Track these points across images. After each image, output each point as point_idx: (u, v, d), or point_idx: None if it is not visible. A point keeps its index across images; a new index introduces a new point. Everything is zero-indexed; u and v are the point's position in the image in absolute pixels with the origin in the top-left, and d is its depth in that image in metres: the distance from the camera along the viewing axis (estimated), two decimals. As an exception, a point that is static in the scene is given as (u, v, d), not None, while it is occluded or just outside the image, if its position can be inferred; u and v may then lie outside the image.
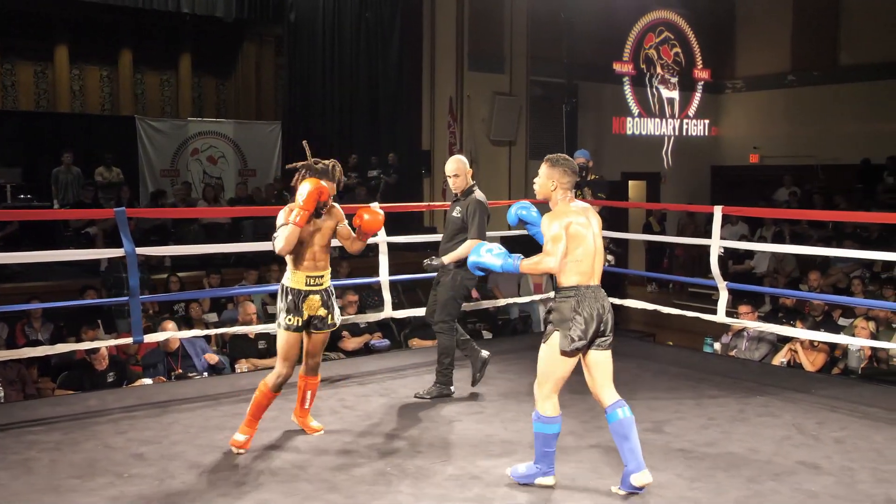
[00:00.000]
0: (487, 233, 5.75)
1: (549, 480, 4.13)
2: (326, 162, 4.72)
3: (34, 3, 13.79)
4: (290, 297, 4.62)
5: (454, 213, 5.84)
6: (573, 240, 3.96)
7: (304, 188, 4.44)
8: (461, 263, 5.62)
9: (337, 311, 4.80)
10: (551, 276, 5.90)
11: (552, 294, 8.07)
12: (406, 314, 7.52)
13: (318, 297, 4.66)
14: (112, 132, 14.01)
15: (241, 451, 4.60)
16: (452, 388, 5.85)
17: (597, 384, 4.07)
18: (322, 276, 4.68)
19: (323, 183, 4.52)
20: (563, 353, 3.95)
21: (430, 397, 5.76)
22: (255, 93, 17.29)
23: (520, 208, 4.46)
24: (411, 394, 5.86)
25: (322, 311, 4.68)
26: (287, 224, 4.47)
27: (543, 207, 4.22)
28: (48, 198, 12.04)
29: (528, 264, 3.99)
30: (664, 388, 6.08)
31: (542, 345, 4.03)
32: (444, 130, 14.42)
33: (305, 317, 4.64)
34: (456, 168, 5.82)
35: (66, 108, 15.58)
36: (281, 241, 4.47)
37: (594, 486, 4.16)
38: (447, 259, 5.75)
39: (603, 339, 4.02)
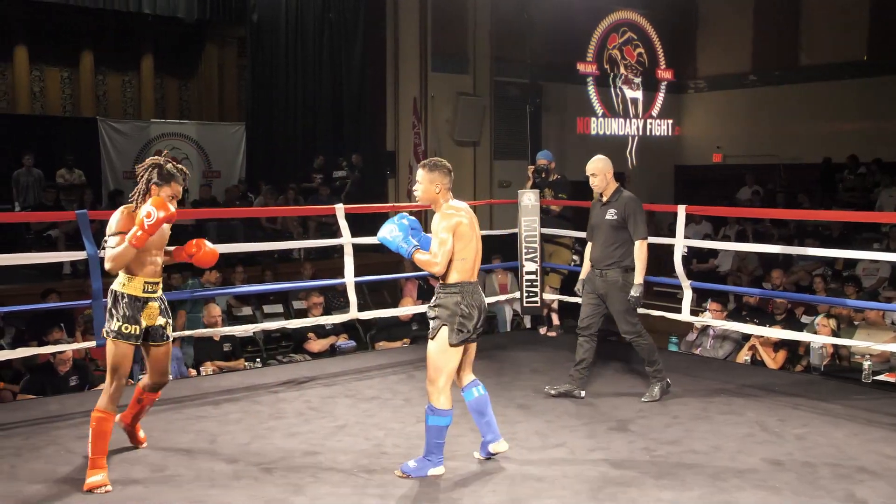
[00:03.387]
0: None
1: (440, 470, 4.28)
2: (178, 165, 4.37)
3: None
4: (125, 303, 4.23)
5: (606, 217, 5.68)
6: (461, 240, 4.20)
7: (155, 211, 4.05)
8: (628, 268, 5.64)
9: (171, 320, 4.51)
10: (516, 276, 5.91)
11: (517, 294, 8.13)
12: (372, 315, 7.51)
13: (156, 304, 4.34)
14: (73, 134, 13.84)
15: (105, 489, 4.06)
16: (668, 379, 5.83)
17: (462, 367, 4.37)
18: (159, 283, 4.37)
19: (169, 190, 4.23)
20: (452, 345, 4.19)
21: (659, 398, 5.70)
22: (218, 94, 17.14)
23: (402, 217, 4.31)
24: (377, 394, 5.85)
25: (161, 321, 4.38)
26: (120, 237, 4.10)
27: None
28: (9, 200, 11.87)
29: (420, 258, 4.17)
30: (628, 386, 6.13)
31: (430, 341, 4.24)
32: (409, 131, 14.40)
33: (143, 326, 4.28)
34: (594, 168, 5.74)
35: (27, 109, 15.33)
36: (114, 260, 4.10)
37: (563, 477, 4.19)
38: (638, 277, 5.60)
39: (478, 331, 4.30)
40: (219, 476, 4.31)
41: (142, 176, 4.27)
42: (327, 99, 14.13)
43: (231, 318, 9.16)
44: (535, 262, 7.67)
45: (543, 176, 7.95)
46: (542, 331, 7.95)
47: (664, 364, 5.86)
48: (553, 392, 5.79)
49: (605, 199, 5.77)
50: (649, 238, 5.73)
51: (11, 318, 8.29)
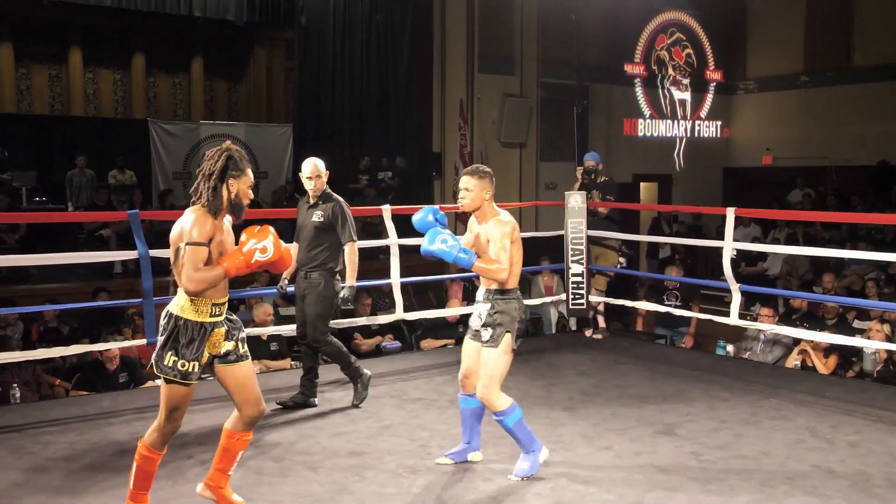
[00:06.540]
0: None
1: (545, 452, 4.35)
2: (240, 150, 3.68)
3: (48, 8, 13.86)
4: (186, 333, 3.49)
5: (314, 218, 5.52)
6: (515, 244, 4.23)
7: (271, 247, 3.51)
8: (333, 272, 5.52)
9: (244, 335, 3.75)
10: (562, 279, 5.85)
11: (562, 297, 8.09)
12: (417, 316, 7.55)
13: (222, 329, 3.60)
14: (125, 135, 14.08)
15: None
16: (367, 371, 5.74)
17: (474, 373, 4.35)
18: (226, 302, 3.64)
19: (247, 181, 3.64)
20: (514, 351, 4.27)
21: (365, 393, 5.63)
22: (267, 95, 17.33)
23: (435, 212, 4.32)
24: (422, 395, 5.88)
25: (229, 345, 3.62)
26: (199, 249, 3.43)
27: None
28: (63, 200, 12.12)
29: (481, 266, 4.16)
30: (675, 390, 6.06)
31: (492, 348, 4.22)
32: (455, 133, 14.42)
33: (205, 360, 3.56)
34: (318, 170, 5.52)
35: (80, 111, 15.64)
36: (203, 284, 3.40)
37: (609, 481, 4.16)
38: (350, 279, 5.49)
39: None
40: (265, 474, 4.36)
41: (212, 168, 3.55)
42: (374, 101, 14.23)
43: (279, 318, 9.25)
44: (582, 264, 7.63)
45: (592, 177, 7.91)
46: (588, 333, 7.90)
47: (715, 368, 5.78)
48: (288, 404, 5.61)
49: (311, 200, 5.59)
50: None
51: (65, 315, 8.48)
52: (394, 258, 6.94)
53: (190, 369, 3.49)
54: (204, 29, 15.53)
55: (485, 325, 4.25)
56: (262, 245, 3.49)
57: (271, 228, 3.61)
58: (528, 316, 4.35)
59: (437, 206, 4.35)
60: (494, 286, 4.27)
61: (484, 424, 5.15)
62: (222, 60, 17.22)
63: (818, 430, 5.09)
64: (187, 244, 3.41)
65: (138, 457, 3.63)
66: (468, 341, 4.40)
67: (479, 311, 4.33)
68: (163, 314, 3.56)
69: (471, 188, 4.25)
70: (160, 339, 3.52)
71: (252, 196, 3.70)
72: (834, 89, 16.91)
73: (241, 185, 3.60)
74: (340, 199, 5.60)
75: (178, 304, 3.50)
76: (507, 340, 4.22)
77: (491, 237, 4.20)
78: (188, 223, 3.46)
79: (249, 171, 3.65)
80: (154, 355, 3.55)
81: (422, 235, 4.24)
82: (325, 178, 5.55)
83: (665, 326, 9.02)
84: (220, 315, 3.58)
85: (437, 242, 4.11)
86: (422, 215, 4.30)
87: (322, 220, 5.51)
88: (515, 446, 4.74)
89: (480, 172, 4.29)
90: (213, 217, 3.51)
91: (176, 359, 3.47)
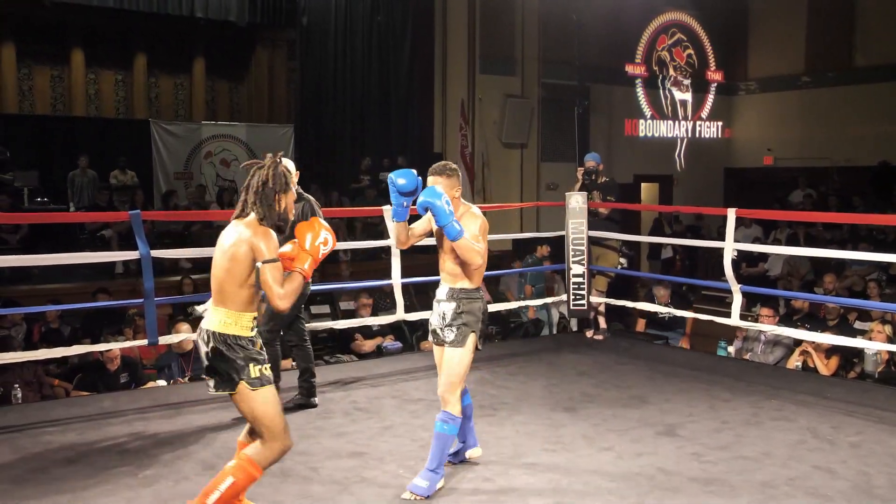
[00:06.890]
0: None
1: (442, 482, 4.14)
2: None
3: (50, 9, 13.89)
4: (251, 346, 3.51)
5: None
6: (484, 243, 4.15)
7: (331, 238, 3.57)
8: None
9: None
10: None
11: (563, 297, 8.10)
12: (418, 317, 7.55)
13: (259, 340, 3.66)
14: (127, 135, 14.10)
15: None
16: (315, 399, 5.68)
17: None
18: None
19: (292, 196, 3.64)
20: (478, 350, 4.20)
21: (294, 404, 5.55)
22: (268, 96, 17.35)
23: (418, 179, 4.21)
24: (423, 396, 5.87)
25: None
26: (276, 265, 3.44)
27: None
28: (64, 201, 12.13)
29: (465, 242, 4.00)
30: (676, 390, 6.06)
31: (456, 348, 4.13)
32: (456, 133, 14.43)
33: None
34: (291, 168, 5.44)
35: (82, 112, 15.66)
36: (291, 297, 3.43)
37: (610, 482, 4.16)
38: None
39: None
40: (267, 474, 4.34)
41: (266, 183, 3.50)
42: (375, 101, 14.26)
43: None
44: (583, 264, 7.63)
45: (593, 178, 7.91)
46: (589, 334, 7.90)
47: (716, 368, 5.77)
48: (289, 405, 5.51)
49: None
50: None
51: (66, 315, 8.49)
52: (395, 258, 6.94)
53: (267, 372, 3.51)
54: (205, 30, 15.56)
55: (448, 325, 4.17)
56: (324, 237, 3.55)
57: (320, 220, 3.64)
58: (488, 317, 4.28)
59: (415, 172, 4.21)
60: (459, 285, 4.18)
61: (485, 424, 5.16)
62: (224, 61, 17.24)
63: (819, 431, 5.09)
64: (265, 263, 3.40)
65: (241, 474, 3.50)
66: (437, 348, 4.31)
67: (442, 310, 4.23)
68: (204, 337, 3.50)
69: (442, 189, 4.12)
70: (234, 363, 3.43)
71: (294, 210, 3.76)
72: (835, 90, 16.90)
73: (288, 200, 3.60)
74: (311, 198, 5.63)
75: (222, 322, 3.47)
76: (473, 340, 4.15)
77: (465, 226, 4.07)
78: (256, 240, 3.42)
79: (293, 186, 3.70)
80: (236, 375, 3.44)
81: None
82: (295, 179, 5.52)
83: (659, 327, 8.98)
84: (254, 328, 3.58)
85: (442, 200, 3.96)
86: (399, 175, 4.16)
87: (294, 219, 5.50)
88: (515, 446, 4.77)
89: (448, 171, 4.21)
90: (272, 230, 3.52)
91: (260, 367, 3.48)
